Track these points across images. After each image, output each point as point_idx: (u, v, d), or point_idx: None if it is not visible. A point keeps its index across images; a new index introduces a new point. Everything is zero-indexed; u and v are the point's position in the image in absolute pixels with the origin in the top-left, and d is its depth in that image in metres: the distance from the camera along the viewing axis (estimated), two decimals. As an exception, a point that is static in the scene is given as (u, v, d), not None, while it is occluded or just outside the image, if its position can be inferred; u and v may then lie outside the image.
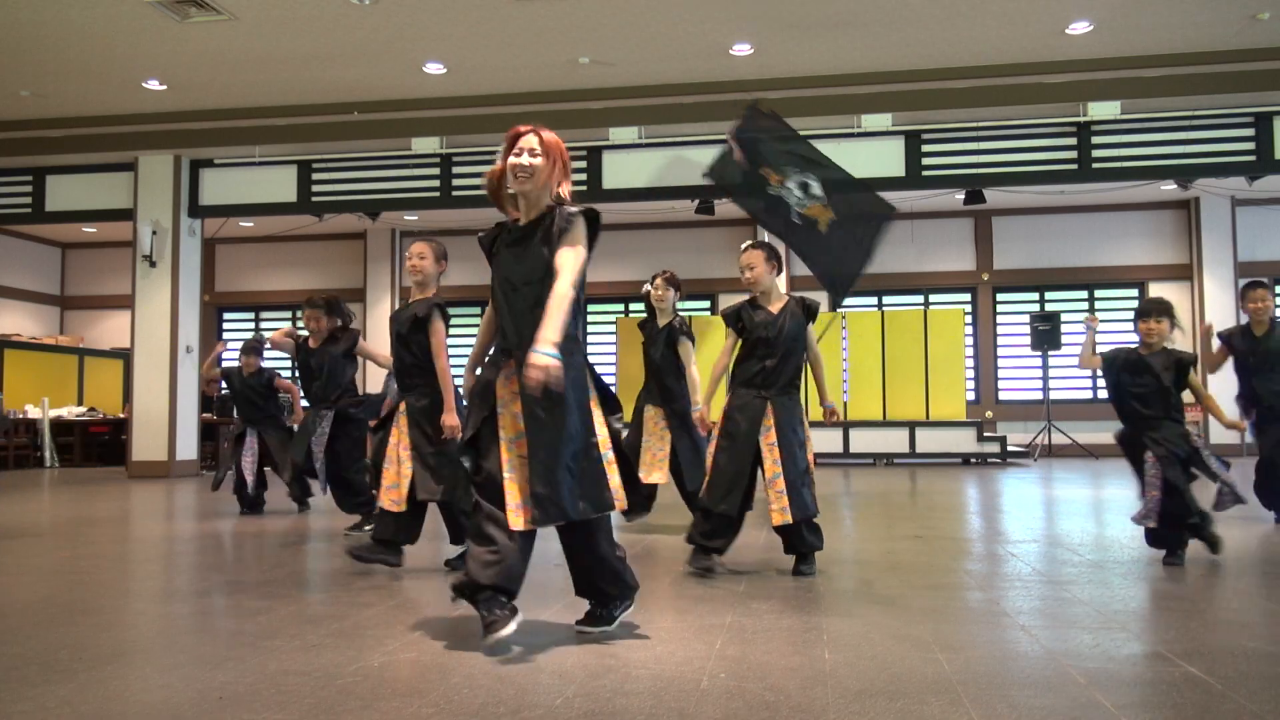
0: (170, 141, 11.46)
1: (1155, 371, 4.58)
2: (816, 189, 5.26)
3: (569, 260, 2.98)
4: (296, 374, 6.38)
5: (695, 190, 11.09)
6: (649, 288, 5.85)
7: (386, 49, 9.18)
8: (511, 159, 3.08)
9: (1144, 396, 4.61)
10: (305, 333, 6.35)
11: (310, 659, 2.84)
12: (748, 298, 4.50)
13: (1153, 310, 4.66)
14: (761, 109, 5.54)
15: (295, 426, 6.64)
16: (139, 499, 8.58)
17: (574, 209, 3.08)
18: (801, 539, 4.25)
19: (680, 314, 5.84)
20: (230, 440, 7.25)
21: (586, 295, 3.28)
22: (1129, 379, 4.64)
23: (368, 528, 5.87)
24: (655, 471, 5.74)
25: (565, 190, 3.12)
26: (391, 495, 4.39)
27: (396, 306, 15.95)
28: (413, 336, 4.46)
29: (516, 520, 2.93)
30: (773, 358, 4.33)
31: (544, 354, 2.76)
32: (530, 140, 3.08)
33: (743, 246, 4.56)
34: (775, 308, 4.41)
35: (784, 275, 14.72)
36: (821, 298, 6.03)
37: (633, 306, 15.92)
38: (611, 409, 3.18)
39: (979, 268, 15.11)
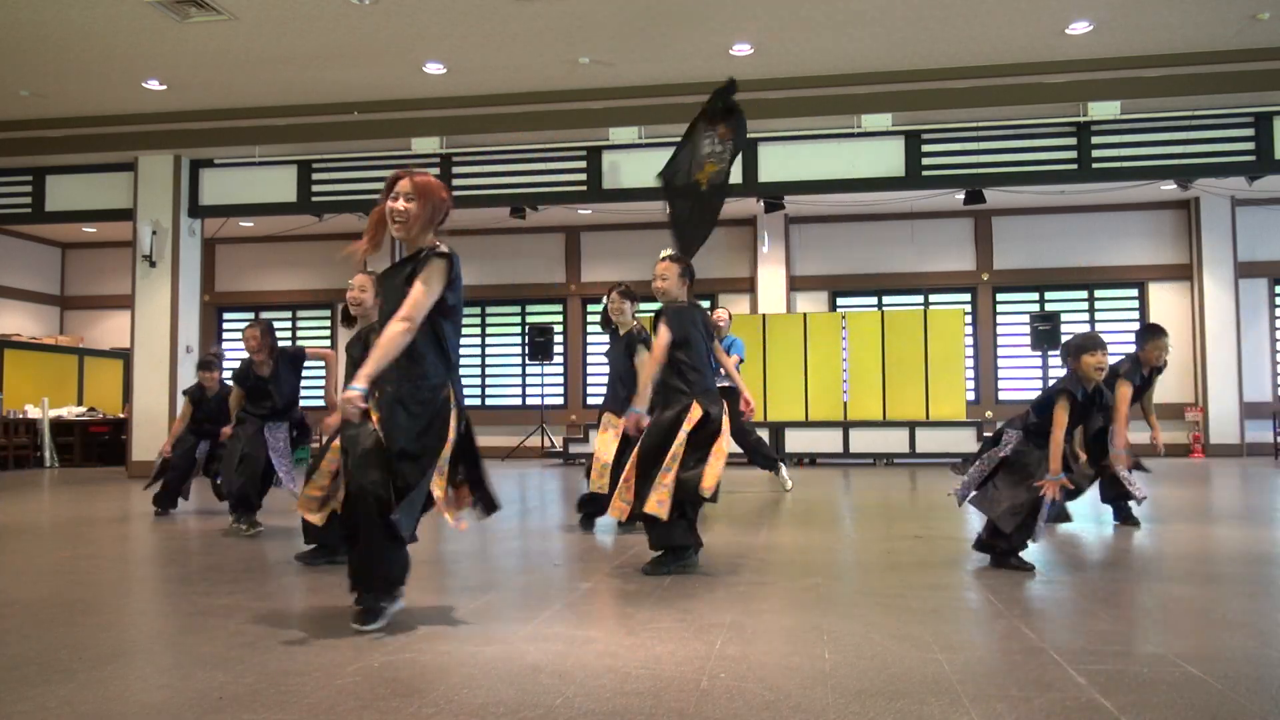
0: (170, 141, 11.46)
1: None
2: (708, 146, 5.52)
3: (412, 296, 3.15)
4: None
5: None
6: (606, 300, 5.89)
7: (386, 49, 9.19)
8: (389, 203, 3.23)
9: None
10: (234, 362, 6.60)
11: (310, 659, 2.84)
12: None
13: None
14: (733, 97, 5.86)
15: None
16: (139, 499, 8.57)
17: (438, 249, 3.23)
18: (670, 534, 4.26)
19: (639, 323, 5.85)
20: (183, 448, 7.18)
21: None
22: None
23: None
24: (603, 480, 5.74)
25: (431, 236, 3.29)
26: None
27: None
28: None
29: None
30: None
31: (352, 387, 3.05)
32: (404, 185, 3.24)
33: (661, 255, 4.60)
34: None
35: (784, 274, 14.84)
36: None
37: (633, 306, 15.90)
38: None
39: (979, 268, 15.11)
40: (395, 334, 3.11)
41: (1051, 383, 4.58)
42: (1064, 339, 6.55)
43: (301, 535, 4.79)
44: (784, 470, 8.35)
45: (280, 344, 6.41)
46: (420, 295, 3.15)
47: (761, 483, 9.01)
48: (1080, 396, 4.33)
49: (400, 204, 3.21)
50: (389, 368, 3.13)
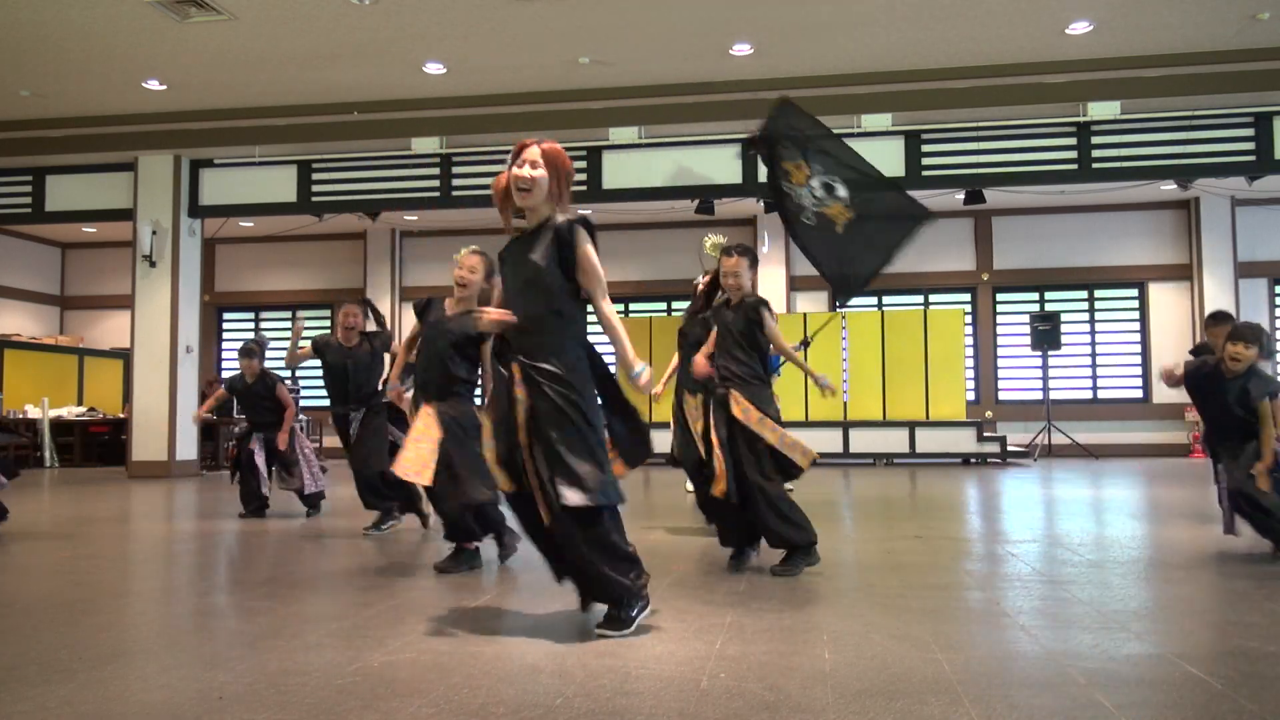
0: (170, 141, 11.46)
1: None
2: (841, 191, 5.22)
3: (594, 272, 3.14)
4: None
5: (695, 190, 11.10)
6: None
7: (386, 49, 9.18)
8: (515, 170, 3.14)
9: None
10: (313, 335, 6.40)
11: (310, 659, 2.84)
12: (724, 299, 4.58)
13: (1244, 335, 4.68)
14: (795, 105, 5.51)
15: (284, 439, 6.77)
16: (139, 499, 8.58)
17: (569, 220, 3.15)
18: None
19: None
20: (236, 441, 7.21)
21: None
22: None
23: (385, 526, 5.92)
24: None
25: (565, 203, 3.22)
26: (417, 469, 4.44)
27: (397, 306, 16.04)
28: (469, 349, 4.57)
29: (544, 515, 3.11)
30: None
31: (641, 370, 3.11)
32: (532, 152, 3.15)
33: (721, 247, 4.58)
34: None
35: (784, 274, 14.84)
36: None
37: (633, 306, 15.92)
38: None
39: (979, 268, 15.11)
40: (614, 314, 3.16)
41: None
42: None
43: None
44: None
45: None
46: (599, 270, 3.15)
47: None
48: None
49: (526, 171, 3.12)
50: (543, 348, 3.09)
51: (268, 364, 7.25)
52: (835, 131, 5.85)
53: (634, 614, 3.15)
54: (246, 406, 7.12)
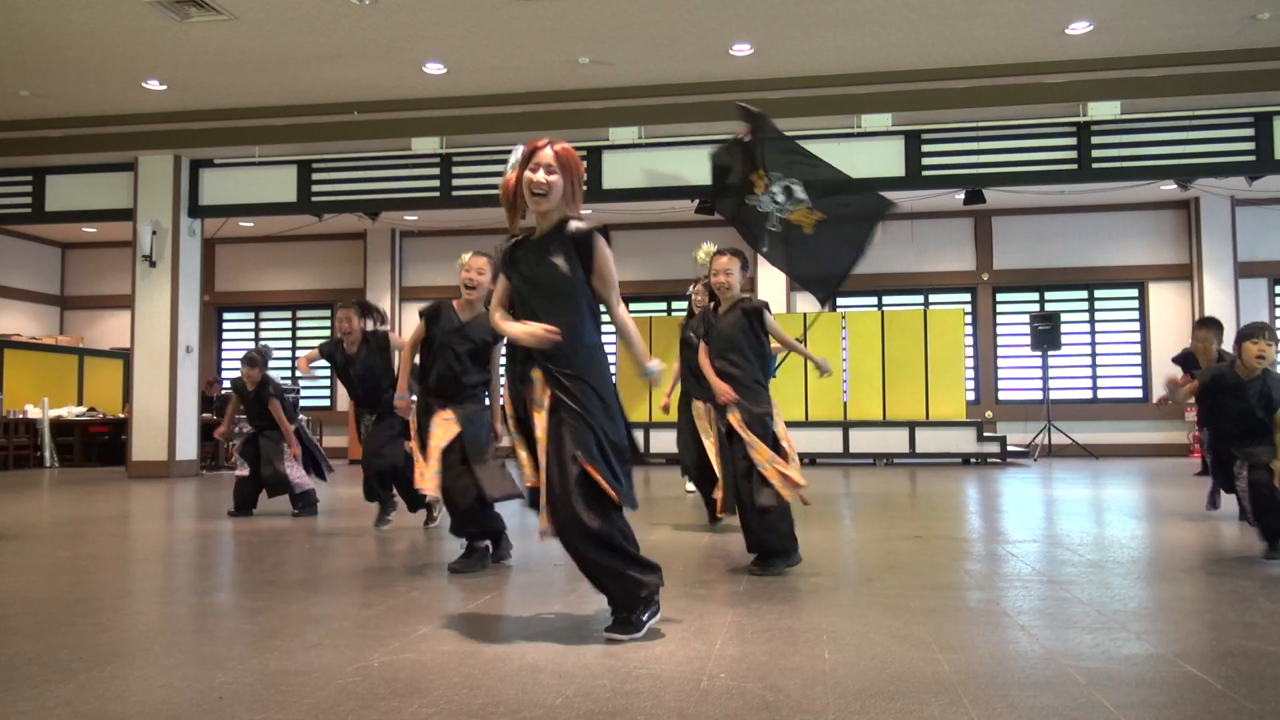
0: (170, 141, 11.46)
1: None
2: (800, 193, 5.23)
3: (610, 280, 3.17)
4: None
5: (695, 190, 11.09)
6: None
7: (386, 49, 9.18)
8: (528, 174, 3.09)
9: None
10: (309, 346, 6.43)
11: (310, 659, 2.84)
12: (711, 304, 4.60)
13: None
14: (750, 109, 5.48)
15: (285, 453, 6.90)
16: (139, 499, 8.57)
17: (587, 227, 3.13)
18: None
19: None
20: (240, 442, 7.28)
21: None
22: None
23: (387, 520, 6.02)
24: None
25: (578, 205, 3.20)
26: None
27: (397, 306, 16.04)
28: (486, 353, 4.63)
29: (542, 523, 3.07)
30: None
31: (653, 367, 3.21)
32: (547, 155, 3.10)
33: (713, 251, 4.58)
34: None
35: (784, 275, 14.82)
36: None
37: (633, 306, 15.93)
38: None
39: (979, 268, 15.11)
40: (629, 318, 3.21)
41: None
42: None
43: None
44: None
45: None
46: (615, 276, 3.17)
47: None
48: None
49: (541, 176, 3.07)
50: (568, 354, 3.06)
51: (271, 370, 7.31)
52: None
53: (645, 618, 3.10)
54: (247, 410, 7.21)
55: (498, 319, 3.25)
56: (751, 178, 5.20)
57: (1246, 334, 4.72)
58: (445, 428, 4.47)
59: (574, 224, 3.13)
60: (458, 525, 4.52)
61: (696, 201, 11.43)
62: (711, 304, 4.63)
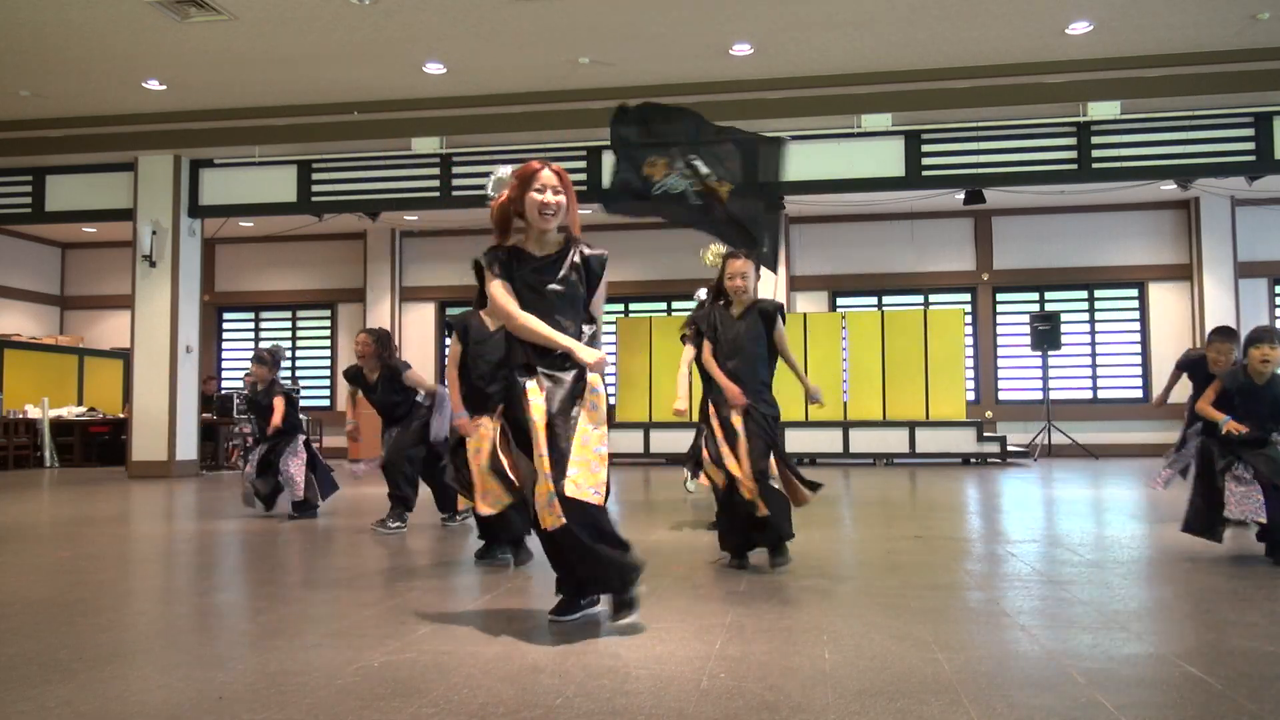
0: (170, 141, 11.46)
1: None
2: (703, 167, 5.25)
3: (600, 300, 3.46)
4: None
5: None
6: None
7: (386, 49, 9.18)
8: (538, 196, 3.25)
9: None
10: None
11: (310, 659, 2.84)
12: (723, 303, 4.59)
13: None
14: (626, 110, 5.49)
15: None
16: (139, 499, 8.57)
17: (605, 253, 3.41)
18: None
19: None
20: (248, 442, 7.31)
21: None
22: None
23: (396, 523, 6.04)
24: None
25: (576, 221, 3.41)
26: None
27: (397, 306, 16.04)
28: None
29: (548, 519, 3.10)
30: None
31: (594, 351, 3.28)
32: (550, 177, 3.28)
33: (724, 253, 4.58)
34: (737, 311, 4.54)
35: (784, 274, 14.82)
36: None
37: (633, 307, 15.93)
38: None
39: (979, 268, 15.11)
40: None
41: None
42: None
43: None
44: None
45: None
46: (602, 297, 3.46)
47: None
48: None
49: (550, 196, 3.26)
50: (566, 358, 3.24)
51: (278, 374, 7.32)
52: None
53: (635, 590, 3.26)
54: (252, 410, 7.18)
55: (544, 330, 3.26)
56: (647, 172, 5.22)
57: (1251, 339, 4.76)
58: (485, 440, 4.47)
59: (590, 248, 3.38)
60: (482, 530, 4.67)
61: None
62: (721, 302, 4.62)
